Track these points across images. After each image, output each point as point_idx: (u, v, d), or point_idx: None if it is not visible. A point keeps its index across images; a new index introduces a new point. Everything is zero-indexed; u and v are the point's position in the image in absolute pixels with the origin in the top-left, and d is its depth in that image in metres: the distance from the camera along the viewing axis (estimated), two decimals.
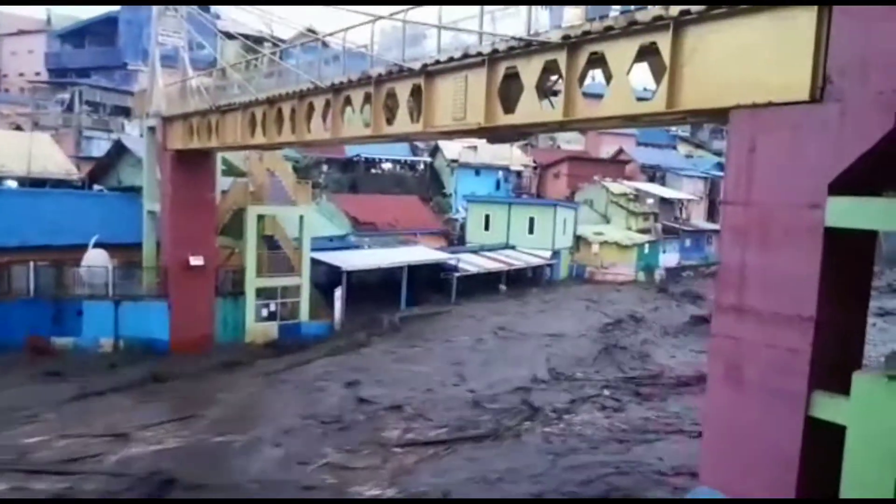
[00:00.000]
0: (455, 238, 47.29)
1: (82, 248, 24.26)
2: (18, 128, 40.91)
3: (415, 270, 33.64)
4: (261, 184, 27.06)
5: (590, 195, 51.30)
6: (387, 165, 55.99)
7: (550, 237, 43.07)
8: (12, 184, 31.16)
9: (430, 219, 46.14)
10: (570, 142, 65.08)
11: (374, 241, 37.23)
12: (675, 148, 69.06)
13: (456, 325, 29.52)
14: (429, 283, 35.73)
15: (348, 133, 15.98)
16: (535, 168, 58.65)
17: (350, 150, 52.06)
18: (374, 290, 33.53)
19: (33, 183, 31.29)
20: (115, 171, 33.01)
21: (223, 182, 27.97)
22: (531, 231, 43.70)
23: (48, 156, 33.46)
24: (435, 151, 59.03)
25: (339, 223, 38.76)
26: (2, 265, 22.99)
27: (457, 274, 34.88)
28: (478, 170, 55.49)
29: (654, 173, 59.95)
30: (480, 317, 31.34)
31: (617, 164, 58.76)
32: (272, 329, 26.40)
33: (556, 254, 43.46)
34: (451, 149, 55.73)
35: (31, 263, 23.01)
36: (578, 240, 46.14)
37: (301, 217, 27.58)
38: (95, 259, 23.94)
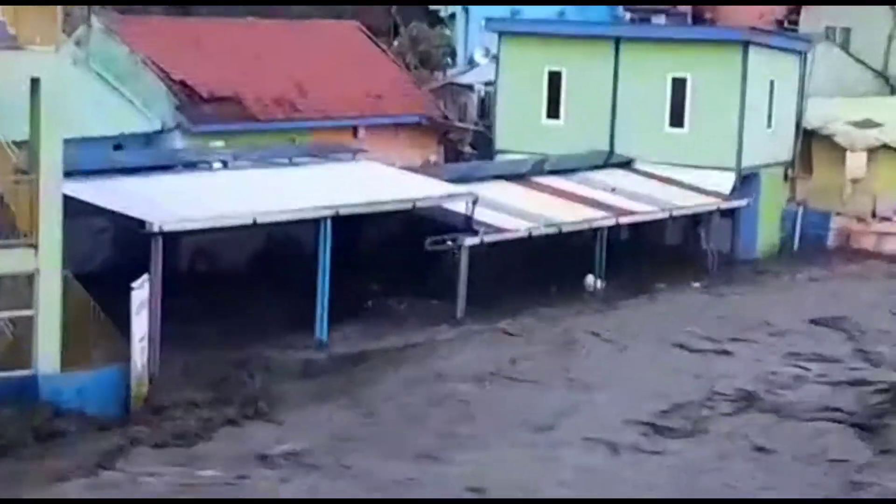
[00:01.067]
0: (466, 140, 47.28)
1: None
2: None
3: (356, 230, 34.33)
4: None
5: (842, 16, 51.25)
6: None
7: (733, 135, 43.31)
8: None
9: (398, 86, 46.49)
10: None
11: (242, 152, 37.59)
12: None
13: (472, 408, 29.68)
14: (395, 262, 36.19)
15: None
16: None
17: None
18: (245, 283, 33.93)
19: None
20: None
21: None
22: (678, 119, 44.02)
23: None
24: None
25: (141, 100, 39.02)
26: None
27: (470, 240, 35.13)
28: None
29: None
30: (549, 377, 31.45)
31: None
32: None
33: (747, 181, 43.82)
34: None
35: None
36: (810, 142, 46.44)
37: (35, 83, 27.51)
38: None
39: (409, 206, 35.63)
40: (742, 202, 43.26)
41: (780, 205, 46.06)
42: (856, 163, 45.31)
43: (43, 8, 28.01)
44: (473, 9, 53.88)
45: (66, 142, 28.15)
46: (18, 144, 27.79)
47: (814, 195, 46.19)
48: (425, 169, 40.41)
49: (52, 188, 27.29)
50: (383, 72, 46.61)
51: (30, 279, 27.14)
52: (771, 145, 45.05)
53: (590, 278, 38.69)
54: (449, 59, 53.70)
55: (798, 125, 46.15)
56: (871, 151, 45.39)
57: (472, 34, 53.40)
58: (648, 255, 41.77)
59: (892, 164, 45.41)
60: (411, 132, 44.52)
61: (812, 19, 52.03)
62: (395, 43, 51.87)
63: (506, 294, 36.46)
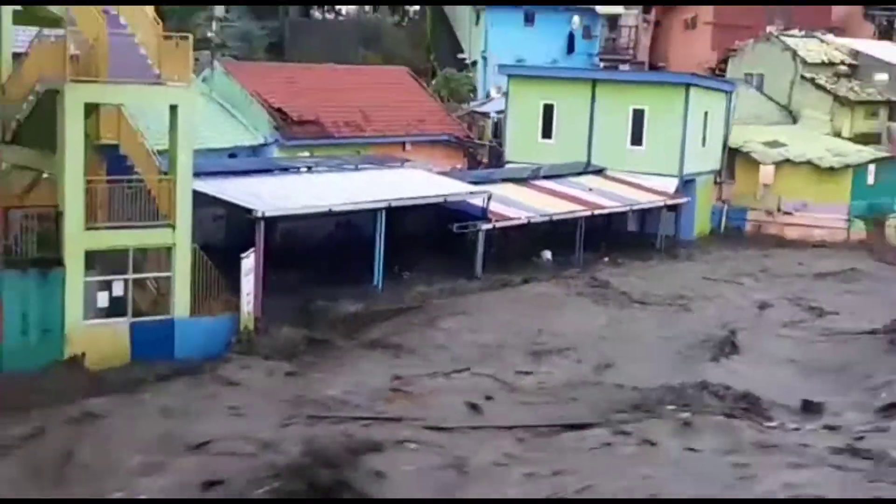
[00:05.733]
0: (483, 154, 47.33)
1: None
2: None
3: (402, 218, 33.96)
4: (92, 41, 27.01)
5: (758, 64, 51.09)
6: (346, 7, 55.82)
7: (677, 152, 43.17)
8: None
9: (434, 113, 46.29)
10: None
11: (321, 160, 37.56)
12: None
13: (479, 336, 29.81)
14: (434, 242, 36.11)
15: None
16: (647, 10, 58.33)
17: None
18: (321, 255, 33.86)
19: None
20: None
21: (16, 37, 28.04)
22: (637, 139, 43.82)
23: None
24: None
25: (248, 122, 39.23)
26: None
27: (485, 225, 35.17)
28: (530, 12, 55.47)
29: (893, 21, 59.32)
30: (525, 317, 31.57)
31: (815, 3, 58.22)
32: (118, 334, 26.79)
33: (686, 185, 43.69)
34: None
35: None
36: (733, 157, 46.15)
37: (174, 109, 27.60)
38: None
39: (441, 200, 35.86)
40: (683, 200, 43.06)
41: (711, 202, 46.00)
42: (766, 172, 45.34)
43: (179, 53, 28.09)
44: (490, 57, 53.78)
45: (195, 152, 28.40)
46: (161, 153, 28.09)
47: (735, 195, 46.21)
48: (453, 173, 40.49)
49: (185, 185, 27.57)
50: (424, 103, 46.65)
51: (169, 250, 27.49)
52: (704, 159, 44.88)
53: (546, 253, 38.59)
54: (471, 94, 53.63)
55: (724, 144, 46.02)
56: (777, 164, 45.37)
57: (488, 76, 53.28)
58: (614, 237, 41.60)
59: (792, 174, 45.35)
60: (444, 147, 44.59)
61: (735, 67, 51.87)
62: (433, 82, 51.84)
63: (509, 262, 36.46)
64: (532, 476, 18.48)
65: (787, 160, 45.52)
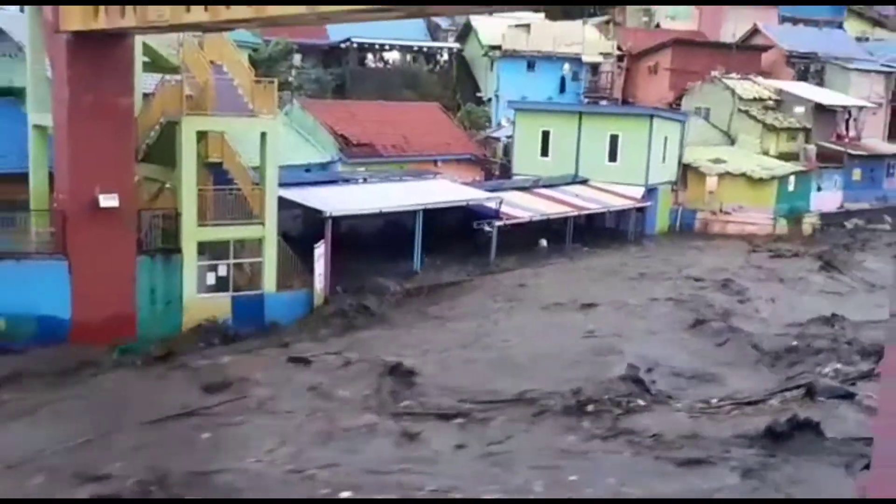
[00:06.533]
0: (496, 168, 47.37)
1: None
2: None
3: (434, 217, 33.96)
4: (202, 84, 27.23)
5: (705, 100, 50.86)
6: (392, 55, 55.89)
7: (643, 166, 42.97)
8: None
9: (458, 138, 46.30)
10: (676, 17, 63.93)
11: (373, 173, 37.62)
12: (840, 26, 67.35)
13: (494, 303, 29.84)
14: (455, 235, 36.10)
15: None
16: (620, 58, 58.09)
17: (336, 33, 51.95)
18: (374, 245, 33.95)
19: None
20: None
21: (145, 82, 28.18)
22: (613, 156, 43.62)
23: None
24: (465, 34, 58.66)
25: (319, 144, 39.33)
26: None
27: (498, 223, 35.18)
28: (531, 61, 55.24)
29: (808, 66, 58.83)
30: (531, 289, 31.60)
31: (748, 52, 58.04)
32: (223, 304, 27.00)
33: (650, 192, 43.50)
34: (491, 29, 55.32)
35: None
36: (686, 171, 45.99)
37: (263, 135, 27.83)
38: None
39: (464, 203, 35.98)
40: (648, 203, 42.89)
41: (669, 205, 45.60)
42: (711, 182, 45.10)
43: (267, 93, 28.31)
44: (501, 95, 53.61)
45: (279, 167, 28.61)
46: (254, 168, 28.32)
47: (687, 200, 45.76)
48: (473, 183, 40.50)
49: (272, 192, 27.79)
50: (451, 131, 46.60)
51: (260, 241, 27.74)
52: (664, 172, 44.54)
53: (542, 242, 38.44)
54: (487, 123, 53.49)
55: (679, 161, 45.67)
56: (720, 175, 45.13)
57: (500, 109, 53.09)
58: (595, 233, 41.46)
59: (731, 183, 44.97)
60: (466, 163, 44.56)
61: (688, 102, 51.57)
62: (458, 115, 51.74)
63: (516, 252, 36.30)
64: None
65: (728, 172, 45.20)
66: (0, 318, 23.99)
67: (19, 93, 29.11)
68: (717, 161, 46.09)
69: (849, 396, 19.29)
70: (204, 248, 26.90)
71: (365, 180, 36.01)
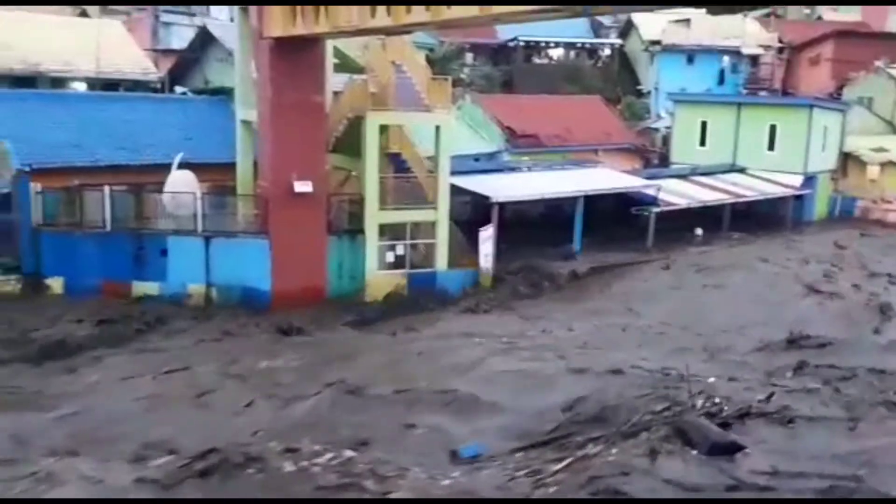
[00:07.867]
0: (654, 157, 46.70)
1: (163, 168, 26.95)
2: (84, 14, 45.11)
3: (594, 203, 33.85)
4: (384, 82, 28.11)
5: (867, 90, 48.06)
6: (556, 52, 55.94)
7: (802, 155, 41.22)
8: (80, 86, 35.07)
9: (618, 129, 45.80)
10: (839, 9, 60.65)
11: (537, 162, 37.81)
12: None
13: (653, 286, 29.47)
14: (614, 220, 35.89)
15: None
16: (780, 50, 55.75)
17: (504, 33, 52.55)
18: (536, 229, 34.18)
19: (105, 86, 34.88)
20: (200, 67, 36.00)
21: (335, 81, 29.51)
22: (771, 146, 42.07)
23: (119, 49, 36.71)
24: (627, 30, 57.92)
25: (488, 136, 39.80)
26: (73, 190, 26.25)
27: (655, 209, 34.75)
28: (691, 55, 53.83)
29: None
30: (692, 273, 30.90)
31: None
32: (400, 280, 28.05)
33: (809, 180, 41.64)
34: (652, 25, 54.37)
35: (107, 188, 26.04)
36: (846, 159, 43.81)
37: (437, 128, 28.46)
38: (181, 183, 26.53)
39: (623, 190, 35.74)
40: (807, 191, 41.32)
41: (828, 193, 43.59)
42: (872, 171, 42.94)
43: (441, 89, 29.01)
44: (660, 87, 52.48)
45: (451, 157, 29.20)
46: (429, 158, 29.12)
47: (848, 188, 43.80)
48: (632, 171, 40.07)
49: (444, 180, 28.51)
50: (611, 122, 46.11)
51: (433, 224, 28.49)
52: (824, 160, 42.56)
53: (698, 230, 37.00)
54: (646, 115, 52.70)
55: (840, 149, 43.62)
56: (882, 165, 42.90)
57: (659, 101, 52.11)
58: (752, 219, 39.77)
59: (893, 172, 42.60)
60: (626, 152, 44.10)
61: (850, 92, 48.87)
62: (619, 107, 51.20)
63: (672, 237, 35.50)
64: None
65: (890, 161, 42.73)
66: (212, 288, 26.12)
67: (229, 92, 31.23)
68: (879, 150, 43.56)
69: None
70: (384, 230, 27.90)
71: (529, 169, 36.22)
